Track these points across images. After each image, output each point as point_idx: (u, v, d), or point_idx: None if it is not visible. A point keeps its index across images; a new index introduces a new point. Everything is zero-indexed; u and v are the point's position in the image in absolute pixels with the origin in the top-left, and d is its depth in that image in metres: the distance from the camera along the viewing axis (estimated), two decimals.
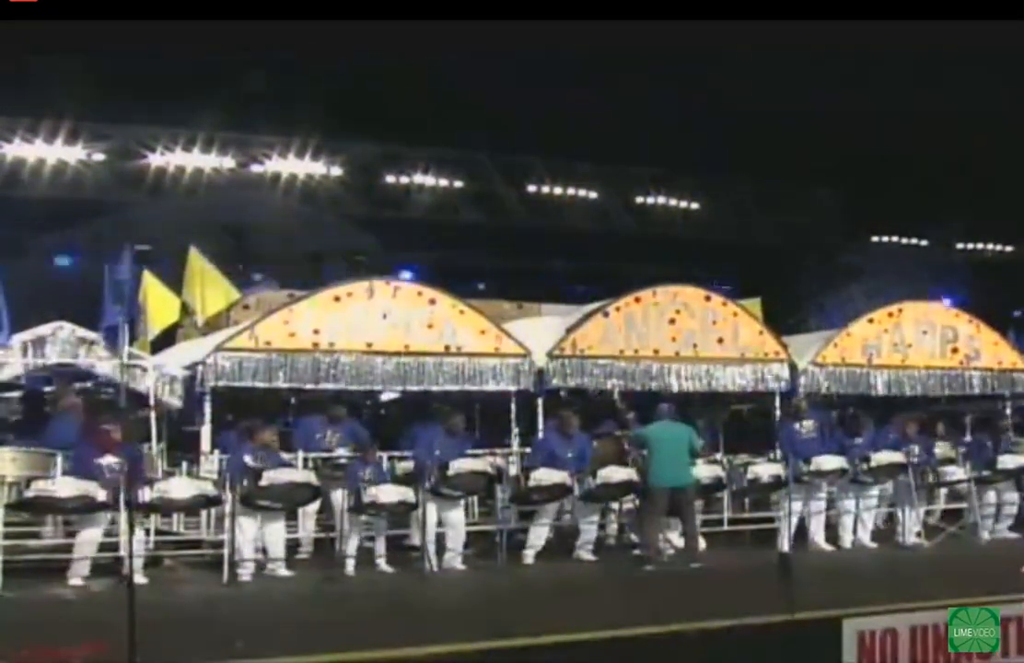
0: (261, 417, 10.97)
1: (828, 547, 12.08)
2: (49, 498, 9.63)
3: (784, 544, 11.47)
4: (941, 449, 13.29)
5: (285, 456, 10.97)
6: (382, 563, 10.58)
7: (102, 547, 9.81)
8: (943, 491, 13.12)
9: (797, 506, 11.86)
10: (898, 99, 21.61)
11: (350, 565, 10.37)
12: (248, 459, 10.24)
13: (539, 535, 11.31)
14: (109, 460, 9.77)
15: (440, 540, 10.82)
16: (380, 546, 10.63)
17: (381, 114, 22.42)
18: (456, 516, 10.91)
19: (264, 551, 10.29)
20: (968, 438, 14.05)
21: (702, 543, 11.55)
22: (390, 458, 11.61)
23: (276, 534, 10.28)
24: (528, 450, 11.99)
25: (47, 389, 13.01)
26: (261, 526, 10.17)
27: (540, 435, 12.00)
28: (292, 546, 10.89)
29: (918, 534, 12.34)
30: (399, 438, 12.35)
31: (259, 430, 10.55)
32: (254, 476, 10.10)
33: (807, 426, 12.54)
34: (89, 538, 9.72)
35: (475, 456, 11.56)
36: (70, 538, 10.18)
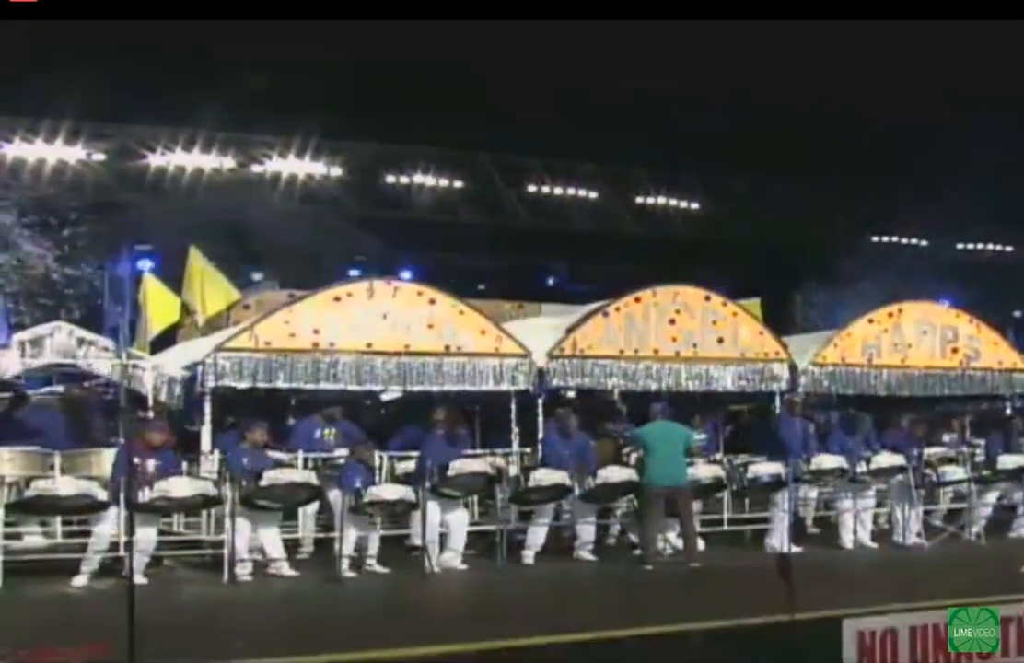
0: (253, 417, 10.98)
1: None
2: (49, 498, 9.63)
3: (784, 544, 11.48)
4: (944, 448, 13.32)
5: (285, 456, 10.98)
6: (373, 564, 10.58)
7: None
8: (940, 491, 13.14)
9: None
10: (898, 99, 21.61)
11: (344, 565, 10.38)
12: (245, 461, 10.25)
13: (538, 535, 11.32)
14: (151, 461, 9.80)
15: (440, 540, 10.84)
16: (372, 547, 10.63)
17: (381, 114, 22.42)
18: (457, 516, 10.92)
19: (262, 552, 10.30)
20: (964, 438, 14.04)
21: (701, 543, 11.56)
22: (390, 458, 11.62)
23: (271, 536, 10.29)
24: (528, 450, 12.00)
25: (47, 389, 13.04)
26: (255, 528, 10.18)
27: (543, 435, 11.99)
28: (292, 546, 10.91)
29: (918, 534, 12.36)
30: (398, 438, 12.35)
31: (250, 429, 10.56)
32: (254, 476, 10.12)
33: (808, 425, 12.57)
34: (102, 534, 9.73)
35: (475, 456, 11.59)
36: (69, 538, 10.19)
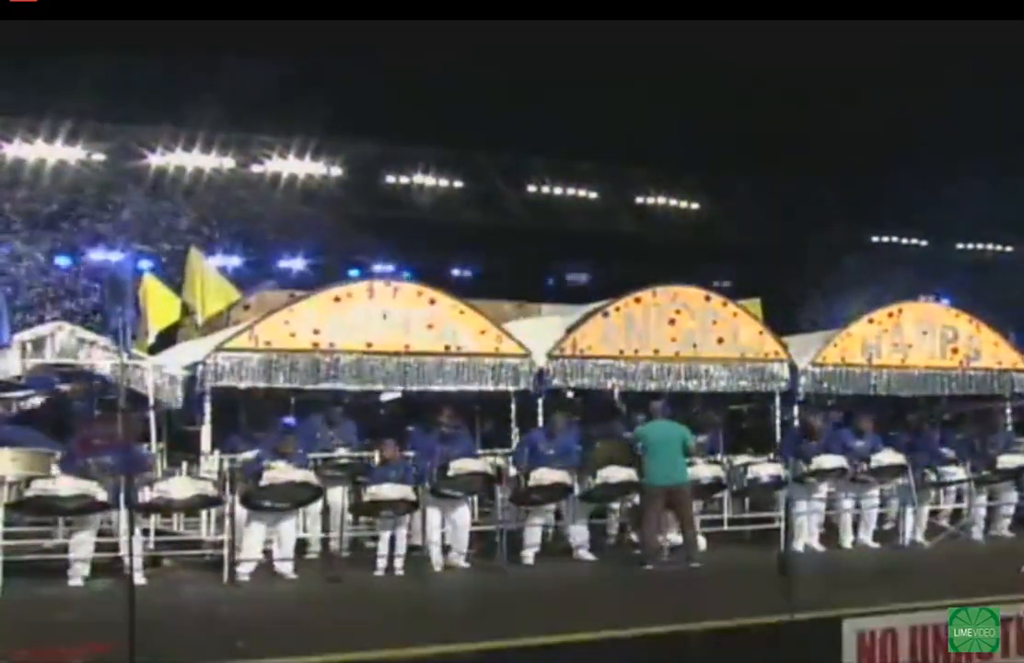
0: (279, 428, 11.01)
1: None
2: (49, 498, 9.63)
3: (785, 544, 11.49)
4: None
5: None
6: (399, 565, 10.59)
7: (102, 547, 9.82)
8: (943, 492, 13.13)
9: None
10: (898, 97, 21.61)
11: (381, 564, 10.45)
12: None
13: (534, 534, 11.32)
14: (98, 459, 9.78)
15: (443, 541, 10.84)
16: (401, 546, 10.62)
17: (381, 114, 22.39)
18: (460, 517, 10.91)
19: (267, 552, 10.29)
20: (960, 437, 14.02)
21: (702, 543, 11.56)
22: None
23: (287, 533, 10.29)
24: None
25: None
26: (273, 525, 10.18)
27: (524, 437, 11.95)
28: (297, 546, 10.91)
29: (926, 535, 12.38)
30: (399, 438, 12.35)
31: (281, 440, 10.58)
32: (255, 476, 10.12)
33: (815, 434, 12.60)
34: (83, 540, 9.73)
35: (475, 456, 11.59)
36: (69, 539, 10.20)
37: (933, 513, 12.82)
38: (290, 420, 13.15)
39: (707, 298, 13.28)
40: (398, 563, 10.55)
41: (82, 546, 9.74)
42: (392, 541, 10.56)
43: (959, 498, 13.11)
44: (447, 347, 11.88)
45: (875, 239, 30.80)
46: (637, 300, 12.85)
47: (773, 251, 27.45)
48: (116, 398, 11.24)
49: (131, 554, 7.94)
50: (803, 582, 8.20)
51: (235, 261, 24.18)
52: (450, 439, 11.38)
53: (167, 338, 15.14)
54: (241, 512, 10.13)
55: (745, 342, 13.23)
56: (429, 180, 26.15)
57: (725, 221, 28.72)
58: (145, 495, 9.70)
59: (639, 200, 28.52)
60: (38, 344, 10.84)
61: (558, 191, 27.49)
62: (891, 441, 12.86)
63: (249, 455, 10.72)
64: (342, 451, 11.49)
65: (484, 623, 8.10)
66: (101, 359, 11.00)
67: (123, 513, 9.38)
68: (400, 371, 11.73)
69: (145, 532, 10.29)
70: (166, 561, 10.57)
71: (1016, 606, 8.13)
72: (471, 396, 12.49)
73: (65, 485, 9.62)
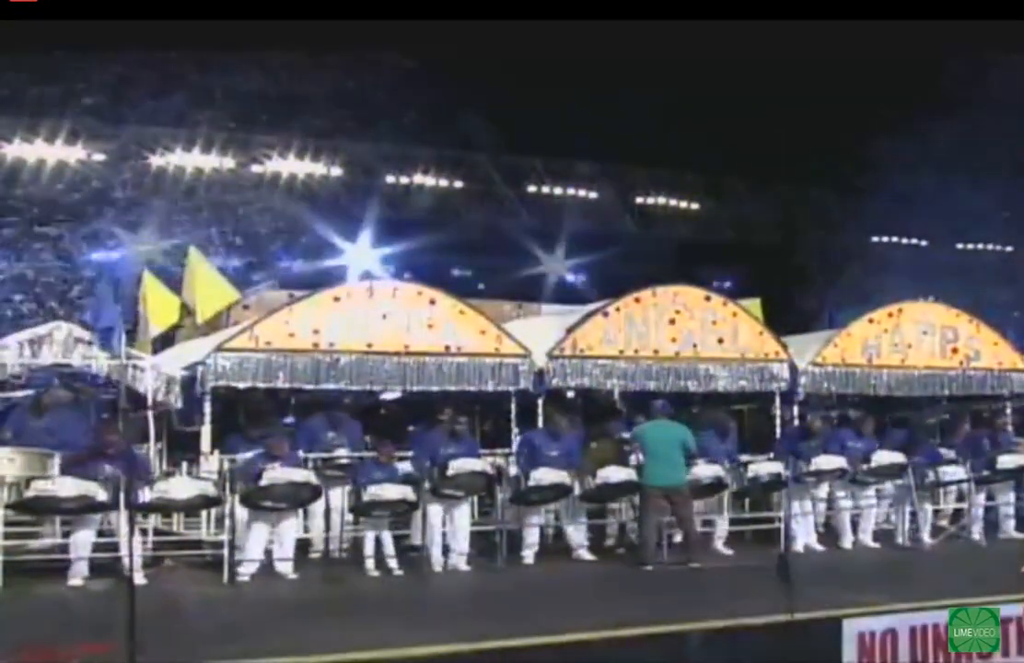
0: (274, 430, 11.00)
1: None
2: (49, 498, 9.63)
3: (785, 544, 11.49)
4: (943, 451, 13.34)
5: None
6: (393, 564, 10.58)
7: (102, 547, 9.82)
8: (944, 492, 13.13)
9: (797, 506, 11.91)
10: (897, 98, 21.61)
11: (370, 564, 10.43)
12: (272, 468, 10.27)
13: (534, 534, 11.31)
14: (105, 464, 9.78)
15: (443, 541, 10.83)
16: (388, 546, 10.62)
17: (381, 114, 22.41)
18: (461, 517, 10.91)
19: (268, 551, 10.29)
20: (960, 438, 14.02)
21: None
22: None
23: (288, 533, 10.29)
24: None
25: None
26: (274, 526, 10.18)
27: (524, 437, 11.95)
28: (302, 545, 10.92)
29: (930, 535, 12.38)
30: (400, 438, 12.36)
31: (278, 445, 10.55)
32: (254, 477, 10.12)
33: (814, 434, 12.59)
34: (83, 539, 9.73)
35: (477, 456, 11.58)
36: (68, 538, 10.20)
37: (934, 513, 12.82)
38: (290, 420, 13.19)
39: (707, 298, 13.28)
40: (393, 563, 10.55)
41: (81, 546, 9.74)
42: (378, 541, 10.55)
43: (959, 498, 13.11)
44: (447, 347, 11.89)
45: (875, 239, 30.78)
46: (637, 300, 12.86)
47: (773, 251, 27.47)
48: (115, 398, 11.26)
49: (131, 554, 7.94)
50: (803, 582, 8.19)
51: (235, 261, 24.18)
52: (456, 438, 11.37)
53: (166, 338, 15.14)
54: (241, 512, 10.13)
55: (745, 342, 13.23)
56: (429, 180, 26.14)
57: (725, 221, 28.72)
58: (145, 495, 9.70)
59: (639, 200, 28.53)
60: (36, 344, 10.82)
61: (558, 191, 27.49)
62: (890, 441, 12.86)
63: (248, 455, 10.71)
64: (342, 451, 11.49)
65: (484, 623, 8.09)
66: (99, 359, 10.98)
67: (123, 513, 9.39)
68: (400, 371, 11.73)
69: (143, 533, 10.28)
70: (166, 561, 10.56)
71: (1016, 606, 8.13)
72: (471, 396, 12.48)
73: (65, 485, 9.62)
